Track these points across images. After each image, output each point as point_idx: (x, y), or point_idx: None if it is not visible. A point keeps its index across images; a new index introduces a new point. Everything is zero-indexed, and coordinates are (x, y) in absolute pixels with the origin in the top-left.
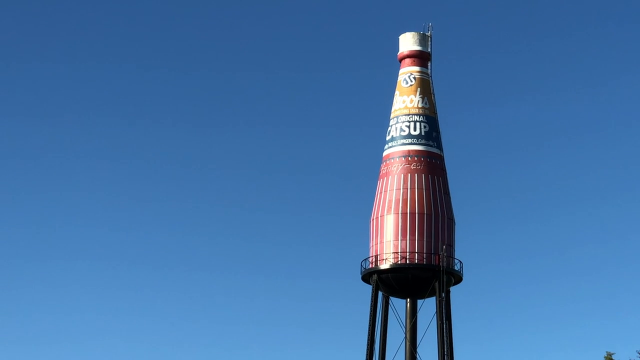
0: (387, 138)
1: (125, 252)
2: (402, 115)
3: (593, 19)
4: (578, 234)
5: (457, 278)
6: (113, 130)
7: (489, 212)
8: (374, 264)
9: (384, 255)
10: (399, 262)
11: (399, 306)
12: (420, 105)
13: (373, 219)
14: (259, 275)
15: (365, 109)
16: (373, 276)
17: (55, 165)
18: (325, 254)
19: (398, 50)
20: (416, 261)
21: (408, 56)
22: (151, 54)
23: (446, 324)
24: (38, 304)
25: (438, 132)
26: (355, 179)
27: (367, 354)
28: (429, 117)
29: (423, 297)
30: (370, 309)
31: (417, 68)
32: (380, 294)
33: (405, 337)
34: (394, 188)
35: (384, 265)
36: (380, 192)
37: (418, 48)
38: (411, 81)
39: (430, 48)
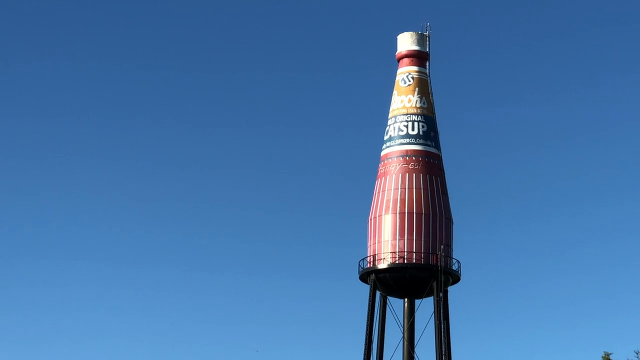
0: (385, 138)
1: (125, 252)
2: (400, 115)
3: (592, 18)
4: (576, 234)
5: (455, 278)
6: (113, 130)
7: (487, 212)
8: (371, 263)
9: (382, 254)
10: (397, 262)
11: (396, 306)
12: (418, 105)
13: (371, 219)
14: (257, 275)
15: (364, 108)
16: (371, 276)
17: (55, 165)
18: (323, 254)
19: (396, 50)
20: (414, 261)
21: (406, 56)
22: (152, 54)
23: (444, 324)
24: (38, 303)
25: (436, 131)
26: (354, 179)
27: (364, 354)
28: (427, 117)
29: (421, 296)
30: (368, 308)
31: (415, 68)
32: (378, 293)
33: (403, 336)
34: (392, 188)
35: (382, 265)
36: (378, 192)
37: (416, 48)
38: (409, 81)
39: (429, 48)
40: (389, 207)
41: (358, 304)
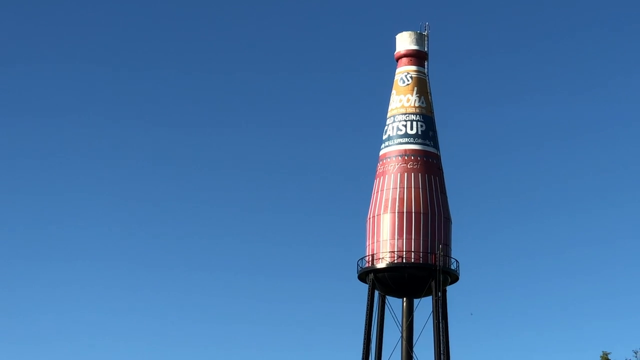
0: (384, 137)
1: (124, 252)
2: (398, 115)
3: (591, 18)
4: (575, 234)
5: (454, 277)
6: (113, 130)
7: (485, 212)
8: (370, 263)
9: (381, 254)
10: (396, 262)
11: (395, 305)
12: (417, 105)
13: (369, 218)
14: (255, 274)
15: (362, 108)
16: (369, 275)
17: (55, 166)
18: (322, 253)
19: (395, 50)
20: (412, 260)
21: (405, 55)
22: (151, 54)
23: (442, 323)
24: (38, 303)
25: (435, 131)
26: (352, 178)
27: (363, 353)
28: (426, 117)
29: (419, 296)
30: (367, 308)
31: (413, 67)
32: (376, 293)
33: (402, 336)
34: (391, 187)
35: (381, 265)
36: (377, 191)
37: (415, 47)
38: (408, 80)
39: (427, 47)
40: (387, 207)
41: (357, 303)
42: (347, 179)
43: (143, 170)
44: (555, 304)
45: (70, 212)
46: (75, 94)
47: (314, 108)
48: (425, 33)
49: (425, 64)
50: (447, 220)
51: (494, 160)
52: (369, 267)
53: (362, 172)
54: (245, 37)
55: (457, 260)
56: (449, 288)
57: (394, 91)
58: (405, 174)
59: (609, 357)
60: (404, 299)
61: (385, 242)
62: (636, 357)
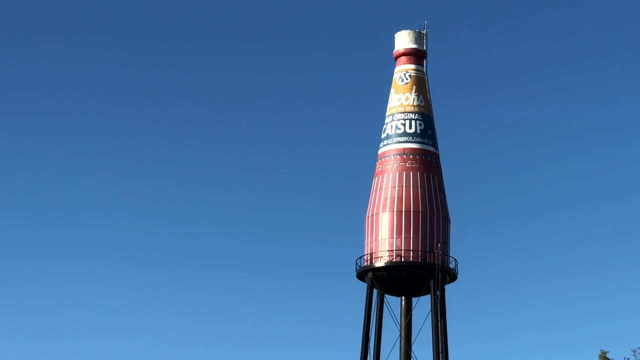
0: (383, 136)
1: (124, 252)
2: (397, 113)
3: (591, 18)
4: (574, 233)
5: (452, 276)
6: (113, 130)
7: (484, 211)
8: (369, 261)
9: (379, 253)
10: (394, 260)
11: (393, 304)
12: (415, 103)
13: (368, 217)
14: (254, 273)
15: (361, 106)
16: (368, 274)
17: (55, 165)
18: (321, 252)
19: (394, 48)
20: (411, 259)
21: (404, 54)
22: (151, 54)
23: (441, 322)
24: (38, 303)
25: (433, 130)
26: (351, 177)
27: (362, 352)
28: (425, 115)
29: (418, 295)
30: (365, 306)
31: (412, 66)
32: (375, 291)
33: (400, 334)
34: (389, 186)
35: (379, 263)
36: (376, 190)
37: (414, 46)
38: (407, 79)
39: (426, 46)
40: (386, 206)
41: (355, 302)
42: (345, 177)
43: (143, 170)
44: (553, 303)
45: (70, 211)
46: (76, 93)
47: (312, 107)
48: (424, 32)
49: (424, 62)
50: (446, 219)
51: (493, 159)
52: (367, 265)
53: (361, 170)
54: (244, 36)
55: (455, 259)
56: (447, 287)
57: (392, 90)
58: (404, 172)
59: (608, 356)
60: (403, 297)
61: (383, 241)
62: (635, 356)
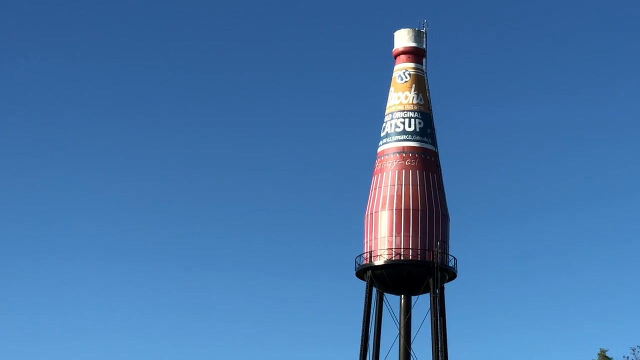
0: (382, 134)
1: (124, 251)
2: (396, 112)
3: (592, 17)
4: (573, 232)
5: (451, 274)
6: (113, 130)
7: (483, 209)
8: (368, 260)
9: (378, 251)
10: (393, 259)
11: (393, 302)
12: (415, 102)
13: (367, 215)
14: (253, 272)
15: (360, 105)
16: (367, 272)
17: (55, 165)
18: (320, 250)
19: (393, 47)
20: (410, 257)
21: (403, 52)
22: (151, 54)
23: (440, 320)
24: (38, 303)
25: (433, 128)
26: (350, 175)
27: (361, 350)
28: (424, 114)
29: (417, 293)
30: (365, 305)
31: (412, 64)
32: (374, 290)
33: (400, 333)
34: (389, 184)
35: (378, 262)
36: (375, 188)
37: (413, 44)
38: (406, 77)
39: (425, 44)
40: (385, 204)
41: (354, 300)
42: (345, 175)
43: (142, 169)
44: (553, 301)
45: (70, 211)
46: (76, 94)
47: (312, 105)
48: (424, 30)
49: (424, 61)
50: (445, 217)
51: (492, 158)
52: (366, 264)
53: (360, 169)
54: (243, 35)
55: (455, 258)
56: (446, 285)
57: (392, 88)
58: (403, 171)
59: (607, 355)
60: (402, 296)
61: (383, 239)
62: (634, 354)
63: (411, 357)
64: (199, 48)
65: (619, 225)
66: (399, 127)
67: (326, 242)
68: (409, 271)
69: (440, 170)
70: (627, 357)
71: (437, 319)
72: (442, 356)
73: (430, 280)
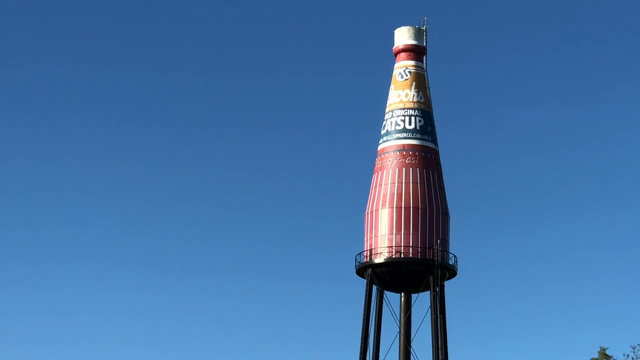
0: (382, 132)
1: (123, 254)
2: (397, 110)
3: (593, 17)
4: (573, 230)
5: (452, 272)
6: (113, 132)
7: (483, 207)
8: (368, 258)
9: (379, 249)
10: (394, 257)
11: (393, 300)
12: (415, 100)
13: (367, 213)
14: (253, 270)
15: (361, 103)
16: (367, 270)
17: (54, 167)
18: (320, 248)
19: (393, 45)
20: (410, 255)
21: (403, 50)
22: (151, 56)
23: (440, 318)
24: (37, 304)
25: (433, 126)
26: (350, 173)
27: (361, 348)
28: (424, 112)
29: (417, 291)
30: (365, 303)
31: (412, 62)
32: (374, 288)
33: (400, 331)
34: (389, 182)
35: (379, 260)
36: (375, 186)
37: (413, 42)
38: (406, 75)
39: (426, 42)
40: (385, 202)
41: (355, 298)
42: (345, 173)
43: (141, 172)
44: (553, 299)
45: (70, 213)
46: (76, 95)
47: (312, 103)
48: (424, 28)
49: (424, 59)
50: (445, 215)
51: (493, 156)
52: (367, 262)
53: (361, 167)
54: (242, 34)
55: (455, 256)
56: (446, 283)
57: (392, 86)
58: (404, 169)
59: (607, 353)
60: (402, 294)
61: (383, 237)
62: (634, 352)
63: (411, 355)
64: (196, 48)
65: (620, 224)
66: (399, 125)
67: (326, 240)
68: (409, 269)
69: (441, 168)
70: (627, 356)
71: (437, 317)
72: (442, 354)
73: (431, 278)
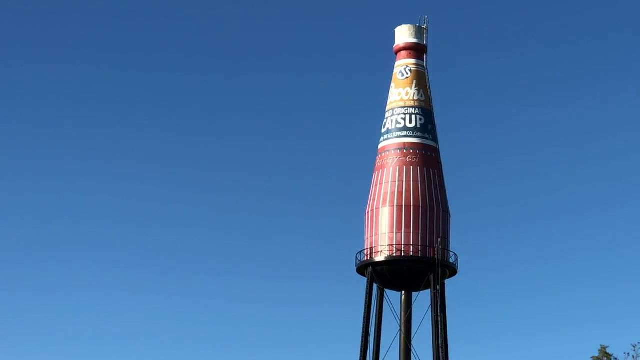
0: (383, 130)
1: (123, 255)
2: (397, 108)
3: (593, 16)
4: (574, 228)
5: (452, 271)
6: (113, 132)
7: (484, 205)
8: (369, 256)
9: (379, 247)
10: (394, 255)
11: (393, 298)
12: (416, 98)
13: (368, 212)
14: (253, 268)
15: (361, 101)
16: (368, 268)
17: (54, 167)
18: (321, 247)
19: (394, 43)
20: (411, 254)
21: (404, 48)
22: (149, 56)
23: (441, 317)
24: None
25: (433, 124)
26: (351, 172)
27: (361, 346)
28: (425, 110)
29: (418, 289)
30: (365, 301)
31: (413, 60)
32: (375, 286)
33: (400, 329)
34: (389, 180)
35: (379, 258)
36: (376, 185)
37: (414, 40)
38: (407, 73)
39: (426, 40)
40: (386, 200)
41: (355, 296)
42: (346, 172)
43: (142, 171)
44: (553, 298)
45: (70, 213)
46: (76, 95)
47: (312, 101)
48: (425, 26)
49: (425, 57)
50: (446, 213)
51: (493, 154)
52: (367, 260)
53: (361, 165)
54: (242, 33)
55: (455, 254)
56: (447, 281)
57: (393, 84)
58: (404, 167)
59: (608, 351)
60: (403, 292)
61: (383, 236)
62: (634, 351)
63: (412, 354)
64: (198, 47)
65: (620, 222)
66: (399, 124)
67: (327, 238)
68: (410, 267)
69: (441, 166)
70: (628, 354)
71: (437, 315)
72: (442, 352)
73: (431, 277)
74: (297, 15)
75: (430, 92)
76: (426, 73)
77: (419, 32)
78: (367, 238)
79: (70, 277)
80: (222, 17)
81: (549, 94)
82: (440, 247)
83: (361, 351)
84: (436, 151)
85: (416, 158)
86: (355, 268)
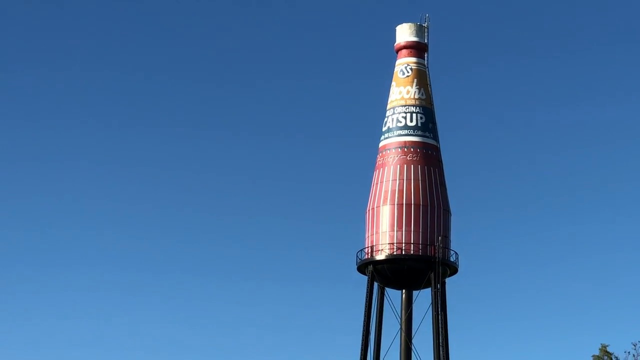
0: (384, 129)
1: (122, 256)
2: (398, 106)
3: (594, 16)
4: (574, 226)
5: (453, 269)
6: (113, 134)
7: (485, 204)
8: (369, 254)
9: (380, 246)
10: (395, 253)
11: (394, 297)
12: (416, 97)
13: (369, 210)
14: (253, 267)
15: (362, 99)
16: (369, 267)
17: (54, 168)
18: (321, 245)
19: (395, 41)
20: (412, 252)
21: (405, 47)
22: (150, 57)
23: (441, 315)
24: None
25: (434, 123)
26: (352, 170)
27: (362, 344)
28: (426, 108)
29: (418, 288)
30: (366, 299)
31: (413, 59)
32: (375, 284)
33: (401, 328)
34: (390, 179)
35: (380, 256)
36: (376, 183)
37: (415, 39)
38: (408, 72)
39: (427, 39)
40: (387, 199)
41: (356, 295)
42: (346, 170)
43: (142, 174)
44: (554, 296)
45: (70, 216)
46: (76, 96)
47: (313, 100)
48: (426, 25)
49: (425, 55)
50: (447, 212)
51: (494, 152)
52: (368, 258)
53: (362, 164)
54: (243, 32)
55: (456, 252)
56: (448, 280)
57: (393, 83)
58: (405, 165)
59: (608, 350)
60: (403, 290)
61: (384, 234)
62: (635, 349)
63: (412, 352)
64: (198, 48)
65: (621, 220)
66: (400, 122)
67: (327, 236)
68: (410, 266)
69: (442, 165)
70: (629, 353)
71: (438, 314)
72: (443, 351)
73: (432, 275)
74: (297, 14)
75: (431, 90)
76: (427, 71)
77: (419, 30)
78: (368, 236)
79: (70, 280)
80: (222, 15)
81: (550, 93)
82: (441, 245)
83: (362, 349)
84: (437, 150)
85: (417, 156)
86: (356, 266)
